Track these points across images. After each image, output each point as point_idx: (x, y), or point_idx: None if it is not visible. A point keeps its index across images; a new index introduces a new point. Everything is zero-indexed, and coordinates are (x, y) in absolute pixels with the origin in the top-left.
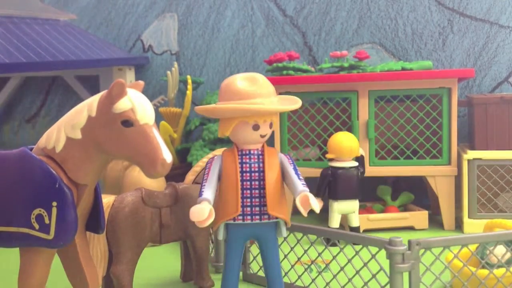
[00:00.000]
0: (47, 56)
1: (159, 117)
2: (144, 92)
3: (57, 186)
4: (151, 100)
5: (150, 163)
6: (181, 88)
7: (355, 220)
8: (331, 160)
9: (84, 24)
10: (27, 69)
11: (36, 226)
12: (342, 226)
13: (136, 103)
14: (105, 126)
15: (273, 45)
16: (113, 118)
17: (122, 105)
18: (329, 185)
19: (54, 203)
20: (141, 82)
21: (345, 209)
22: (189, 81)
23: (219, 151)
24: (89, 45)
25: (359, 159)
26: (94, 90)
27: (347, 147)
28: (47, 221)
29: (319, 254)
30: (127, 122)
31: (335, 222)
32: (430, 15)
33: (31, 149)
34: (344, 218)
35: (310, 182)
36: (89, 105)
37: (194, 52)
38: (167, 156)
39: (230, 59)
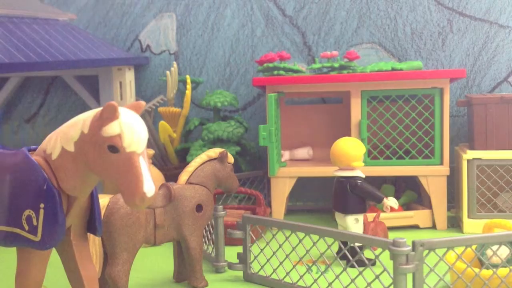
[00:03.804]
0: (47, 56)
1: (158, 117)
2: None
3: (45, 187)
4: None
5: (129, 195)
6: (181, 88)
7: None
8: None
9: (82, 24)
10: (27, 69)
11: (26, 227)
12: None
13: (125, 129)
14: (94, 146)
15: (272, 45)
16: (101, 140)
17: (110, 129)
18: None
19: (42, 205)
20: (143, 103)
21: (338, 221)
22: (188, 81)
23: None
24: (89, 45)
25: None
26: (93, 90)
27: (334, 154)
28: (35, 223)
29: (321, 254)
30: (113, 148)
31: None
32: (430, 15)
33: (34, 150)
34: None
35: None
36: (84, 120)
37: (194, 52)
38: (149, 189)
39: (229, 59)
